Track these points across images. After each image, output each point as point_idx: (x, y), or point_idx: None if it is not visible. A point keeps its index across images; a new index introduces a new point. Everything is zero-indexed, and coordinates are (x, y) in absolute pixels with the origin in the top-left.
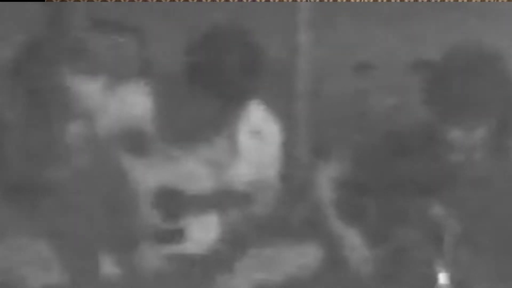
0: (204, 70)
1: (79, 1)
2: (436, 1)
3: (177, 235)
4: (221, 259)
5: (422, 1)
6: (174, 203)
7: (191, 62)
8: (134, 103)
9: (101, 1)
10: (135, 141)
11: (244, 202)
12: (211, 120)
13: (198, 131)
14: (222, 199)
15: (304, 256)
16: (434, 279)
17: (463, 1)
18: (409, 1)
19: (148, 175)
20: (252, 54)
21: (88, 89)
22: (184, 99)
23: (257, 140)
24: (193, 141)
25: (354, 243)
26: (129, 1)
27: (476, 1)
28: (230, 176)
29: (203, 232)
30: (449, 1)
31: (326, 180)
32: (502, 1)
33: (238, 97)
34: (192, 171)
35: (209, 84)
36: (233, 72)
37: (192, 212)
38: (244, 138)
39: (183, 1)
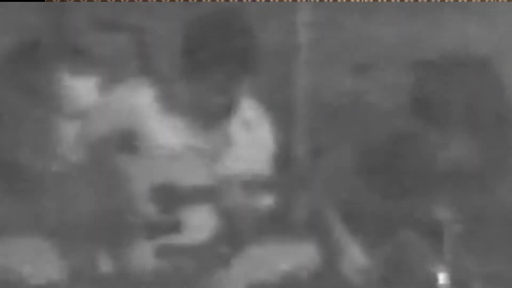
0: (198, 62)
1: (79, 1)
2: (436, 1)
3: (172, 228)
4: (217, 251)
5: (422, 1)
6: (170, 196)
7: (186, 56)
8: (132, 101)
9: (101, 1)
10: (130, 137)
11: (239, 193)
12: (205, 112)
13: (192, 124)
14: (217, 191)
15: (302, 255)
16: (434, 279)
17: (463, 1)
18: (409, 1)
19: (143, 169)
20: (245, 44)
21: (87, 87)
22: (179, 93)
23: (250, 131)
24: (187, 134)
25: (354, 243)
26: (129, 1)
27: (476, 1)
28: (224, 168)
29: (199, 224)
30: (449, 1)
31: (325, 179)
32: (502, 1)
33: (230, 89)
34: (186, 164)
35: (203, 75)
36: (226, 63)
37: (188, 204)
38: (236, 130)
39: (183, 1)
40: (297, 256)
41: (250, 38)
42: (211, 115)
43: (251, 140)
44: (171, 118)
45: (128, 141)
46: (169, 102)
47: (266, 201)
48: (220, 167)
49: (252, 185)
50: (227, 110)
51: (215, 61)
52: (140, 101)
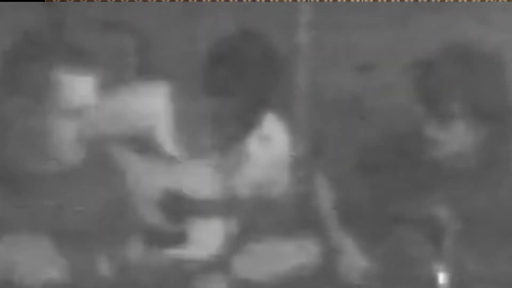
0: (221, 76)
1: (79, 1)
2: (436, 1)
3: (180, 239)
4: (222, 264)
5: (422, 1)
6: (180, 207)
7: (207, 66)
8: (146, 107)
9: (101, 1)
10: (140, 144)
11: (251, 207)
12: (222, 125)
13: (207, 136)
14: (228, 205)
15: (303, 256)
16: (434, 279)
17: (462, 1)
18: (409, 1)
19: (154, 178)
20: (271, 62)
21: (88, 87)
22: (194, 102)
23: (266, 147)
24: (201, 146)
25: (354, 243)
26: (129, 1)
27: (476, 0)
28: (238, 182)
29: (207, 237)
30: (449, 1)
31: (325, 180)
32: (502, 1)
33: (254, 104)
34: (199, 176)
35: (224, 89)
36: (251, 80)
37: (198, 216)
38: (253, 144)
39: (183, 1)
40: (297, 256)
41: (278, 60)
42: (228, 126)
43: (268, 156)
44: (182, 126)
45: (136, 146)
46: (182, 109)
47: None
48: (233, 181)
49: (262, 202)
50: (248, 124)
51: (241, 85)
52: (155, 107)
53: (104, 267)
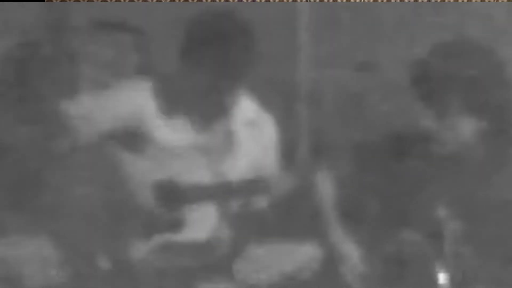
0: (198, 60)
1: (79, 1)
2: (436, 1)
3: (174, 226)
4: (217, 251)
5: (422, 1)
6: (172, 194)
7: (186, 52)
8: (133, 101)
9: (101, 1)
10: (132, 136)
11: (242, 193)
12: (206, 111)
13: (193, 122)
14: (219, 190)
15: (303, 256)
16: (434, 279)
17: (462, 1)
18: (409, 1)
19: (145, 167)
20: (245, 44)
21: (87, 87)
22: (180, 91)
23: (253, 130)
24: (189, 133)
25: (354, 243)
26: (129, 1)
27: (476, 1)
28: (227, 167)
29: (200, 223)
30: (449, 1)
31: (325, 179)
32: (502, 1)
33: (230, 88)
34: (189, 163)
35: (203, 74)
36: (226, 62)
37: (190, 202)
38: (239, 129)
39: (183, 1)
40: (298, 257)
41: (250, 38)
42: (212, 114)
43: (255, 139)
44: (172, 117)
45: (129, 139)
46: (170, 101)
47: (268, 201)
48: (223, 166)
49: (255, 185)
50: (225, 110)
51: (215, 61)
52: (141, 100)
53: (103, 261)
